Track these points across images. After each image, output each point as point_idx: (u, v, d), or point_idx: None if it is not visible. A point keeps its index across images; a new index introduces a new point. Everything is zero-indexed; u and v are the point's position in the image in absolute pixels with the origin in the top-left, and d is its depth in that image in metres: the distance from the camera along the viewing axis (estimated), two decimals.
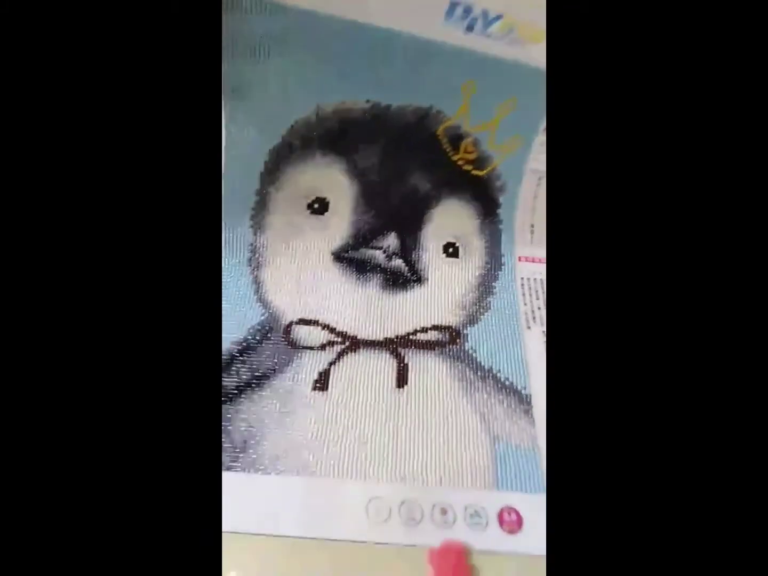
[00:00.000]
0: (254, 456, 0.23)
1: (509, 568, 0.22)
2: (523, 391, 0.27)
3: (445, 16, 0.25)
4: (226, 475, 0.23)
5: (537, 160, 0.30)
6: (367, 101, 0.27)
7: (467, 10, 0.25)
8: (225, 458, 0.23)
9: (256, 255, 0.29)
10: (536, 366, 0.28)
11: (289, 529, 0.21)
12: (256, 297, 0.29)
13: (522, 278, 0.31)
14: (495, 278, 0.31)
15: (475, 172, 0.30)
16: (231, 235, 0.27)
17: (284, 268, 0.29)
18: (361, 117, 0.27)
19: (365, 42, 0.25)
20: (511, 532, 0.22)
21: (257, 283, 0.29)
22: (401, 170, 0.29)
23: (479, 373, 0.27)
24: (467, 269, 0.31)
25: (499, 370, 0.27)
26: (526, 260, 0.32)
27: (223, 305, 0.28)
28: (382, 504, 0.22)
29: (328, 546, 0.21)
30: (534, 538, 0.22)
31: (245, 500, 0.22)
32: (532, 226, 0.32)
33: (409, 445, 0.24)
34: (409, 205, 0.30)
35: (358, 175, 0.29)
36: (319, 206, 0.29)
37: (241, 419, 0.24)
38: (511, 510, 0.23)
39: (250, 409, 0.25)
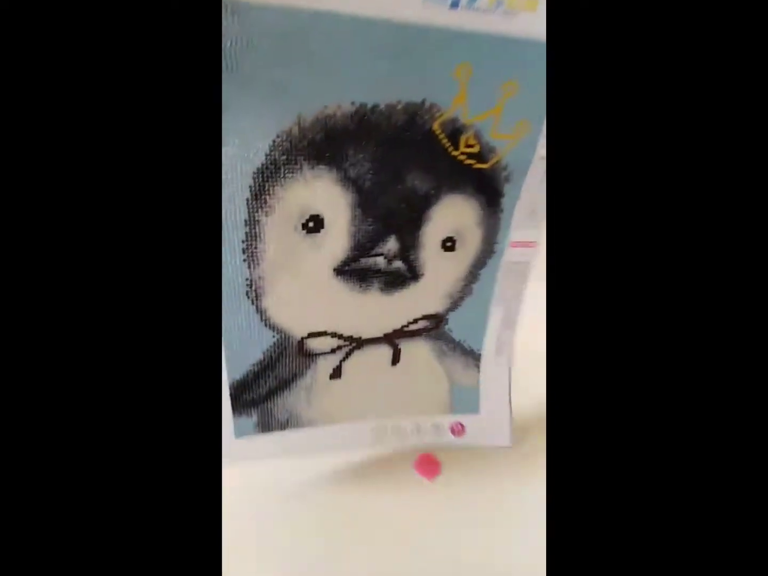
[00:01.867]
0: (295, 425, 0.33)
1: (460, 456, 0.35)
2: (477, 352, 0.35)
3: None
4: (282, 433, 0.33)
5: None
6: (352, 103, 0.24)
7: None
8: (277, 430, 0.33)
9: (254, 287, 0.27)
10: (492, 330, 0.34)
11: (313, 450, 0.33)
12: (262, 324, 0.28)
13: (506, 262, 0.32)
14: (483, 265, 0.32)
15: (478, 166, 0.28)
16: (224, 272, 0.26)
17: (285, 293, 0.28)
18: (347, 122, 0.24)
19: (339, 36, 0.22)
20: (458, 435, 0.35)
21: (260, 312, 0.28)
22: (397, 173, 0.27)
23: (450, 345, 0.34)
24: (461, 261, 0.31)
25: (465, 340, 0.34)
26: (518, 245, 0.31)
27: (231, 340, 0.28)
28: (380, 428, 0.34)
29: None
30: (471, 437, 0.35)
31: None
32: (533, 210, 0.30)
33: (400, 397, 0.34)
34: (407, 206, 0.28)
35: (351, 184, 0.26)
36: (315, 224, 0.27)
37: (280, 409, 0.32)
38: (458, 423, 0.35)
39: (285, 401, 0.32)
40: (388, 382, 0.34)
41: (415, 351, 0.34)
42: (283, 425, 0.33)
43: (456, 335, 0.34)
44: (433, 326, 0.33)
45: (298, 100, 0.23)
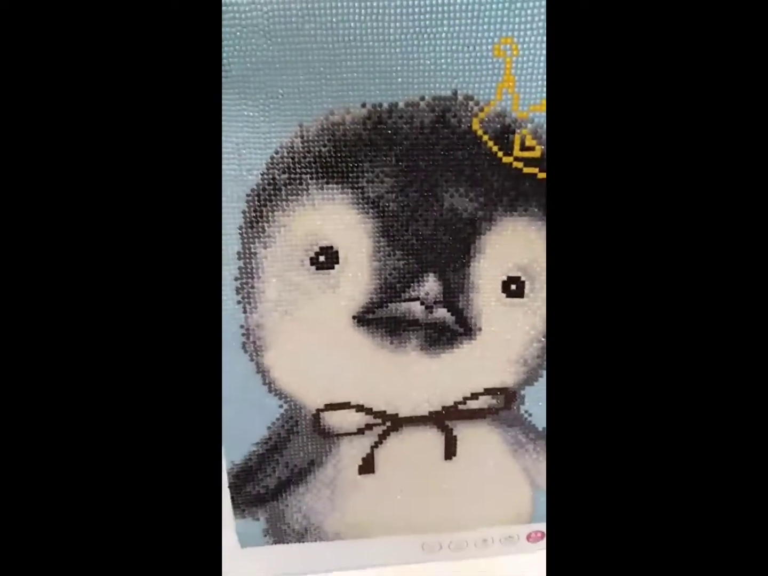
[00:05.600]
0: (316, 538, 0.26)
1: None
2: None
3: None
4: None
5: None
6: (363, 105, 0.19)
7: None
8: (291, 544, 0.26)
9: (251, 338, 0.22)
10: None
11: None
12: (265, 388, 0.23)
13: None
14: None
15: (543, 175, 0.20)
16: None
17: (292, 347, 0.22)
18: (359, 129, 0.20)
19: (345, 17, 0.18)
20: (534, 541, 0.28)
21: (262, 372, 0.23)
22: (430, 190, 0.21)
23: (531, 436, 0.25)
24: (534, 312, 0.23)
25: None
26: None
27: (226, 410, 0.23)
28: (434, 541, 0.27)
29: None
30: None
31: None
32: None
33: (459, 504, 0.26)
34: (448, 234, 0.21)
35: (371, 206, 0.21)
36: (326, 258, 0.21)
37: (295, 512, 0.26)
38: (538, 531, 0.28)
39: (301, 502, 0.25)
40: (442, 482, 0.26)
41: (478, 441, 0.25)
42: (300, 536, 0.26)
43: (537, 420, 0.25)
44: (502, 406, 0.24)
45: (299, 107, 0.19)
